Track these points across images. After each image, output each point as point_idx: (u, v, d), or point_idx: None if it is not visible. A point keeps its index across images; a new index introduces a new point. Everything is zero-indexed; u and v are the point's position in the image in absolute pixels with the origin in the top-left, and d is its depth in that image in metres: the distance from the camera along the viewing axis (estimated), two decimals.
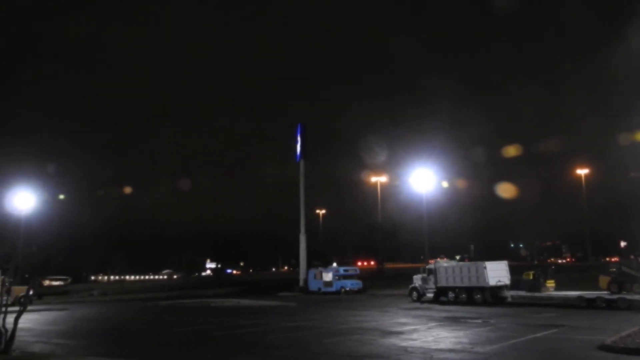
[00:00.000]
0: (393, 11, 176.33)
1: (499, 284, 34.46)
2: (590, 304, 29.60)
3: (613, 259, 68.38)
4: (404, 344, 18.48)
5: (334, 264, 61.60)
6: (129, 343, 21.46)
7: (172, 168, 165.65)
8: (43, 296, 49.75)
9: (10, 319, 17.22)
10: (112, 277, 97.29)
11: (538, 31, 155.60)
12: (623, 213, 74.86)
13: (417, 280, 39.90)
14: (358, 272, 57.00)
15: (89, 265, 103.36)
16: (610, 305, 28.89)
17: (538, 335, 19.84)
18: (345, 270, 54.82)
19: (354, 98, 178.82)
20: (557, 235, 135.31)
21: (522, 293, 34.15)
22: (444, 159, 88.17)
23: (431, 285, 38.29)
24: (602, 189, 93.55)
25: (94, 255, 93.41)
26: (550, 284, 35.04)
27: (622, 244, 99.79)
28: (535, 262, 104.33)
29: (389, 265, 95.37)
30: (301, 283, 56.28)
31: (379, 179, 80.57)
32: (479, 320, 25.04)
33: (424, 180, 59.28)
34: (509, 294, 34.41)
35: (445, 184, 70.48)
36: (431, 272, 38.30)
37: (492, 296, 34.36)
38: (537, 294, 33.49)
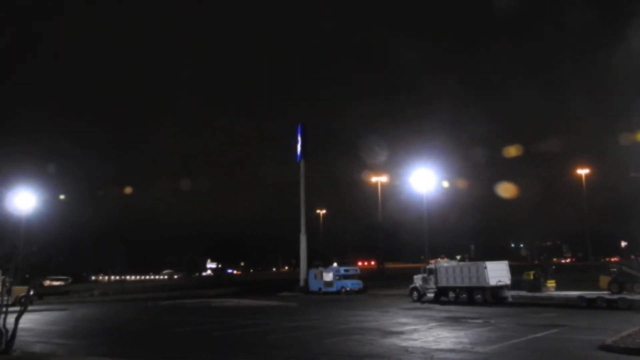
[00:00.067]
0: (393, 11, 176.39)
1: (500, 284, 34.48)
2: (590, 304, 29.61)
3: (613, 259, 68.40)
4: (405, 344, 18.49)
5: (335, 264, 61.48)
6: (130, 343, 21.47)
7: (172, 168, 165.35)
8: (43, 296, 49.66)
9: (10, 319, 17.25)
10: (112, 277, 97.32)
11: (538, 31, 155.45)
12: (623, 213, 74.77)
13: (417, 280, 39.93)
14: (358, 272, 57.03)
15: (90, 265, 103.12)
16: (610, 305, 28.90)
17: (539, 335, 19.85)
18: (345, 270, 54.83)
19: (354, 98, 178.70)
20: (557, 235, 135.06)
21: (523, 293, 34.17)
22: (444, 159, 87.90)
23: (432, 285, 38.31)
24: (602, 189, 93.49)
25: (94, 255, 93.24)
26: (551, 284, 35.04)
27: (623, 244, 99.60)
28: (536, 262, 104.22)
29: (390, 265, 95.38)
30: (301, 283, 56.30)
31: (379, 179, 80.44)
32: (480, 320, 25.05)
33: (424, 180, 59.35)
34: (509, 294, 34.43)
35: (445, 184, 70.59)
36: (432, 272, 38.31)
37: (493, 296, 34.37)
38: (537, 294, 33.51)
